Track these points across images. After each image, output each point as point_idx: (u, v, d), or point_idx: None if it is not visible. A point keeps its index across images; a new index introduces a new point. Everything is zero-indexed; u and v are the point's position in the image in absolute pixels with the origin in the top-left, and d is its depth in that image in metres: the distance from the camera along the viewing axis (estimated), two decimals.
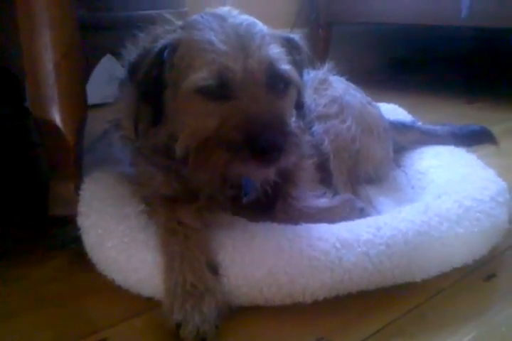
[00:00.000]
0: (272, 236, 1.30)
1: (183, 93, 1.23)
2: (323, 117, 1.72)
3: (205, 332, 1.10)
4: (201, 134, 1.22)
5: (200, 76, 1.19)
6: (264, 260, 1.24)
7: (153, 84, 1.28)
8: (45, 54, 1.38)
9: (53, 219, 1.52)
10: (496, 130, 2.23)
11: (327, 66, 1.89)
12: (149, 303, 1.27)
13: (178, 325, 1.11)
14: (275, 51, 1.26)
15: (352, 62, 1.89)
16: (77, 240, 1.45)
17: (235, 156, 1.15)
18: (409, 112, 2.54)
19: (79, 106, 1.48)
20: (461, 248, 1.38)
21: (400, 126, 2.11)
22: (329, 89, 1.80)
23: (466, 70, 4.94)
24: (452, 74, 4.82)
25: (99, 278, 1.35)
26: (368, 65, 4.57)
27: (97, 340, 1.15)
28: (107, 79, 1.58)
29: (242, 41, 1.23)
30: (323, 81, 1.82)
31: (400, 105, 2.67)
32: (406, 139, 2.10)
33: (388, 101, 2.68)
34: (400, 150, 2.09)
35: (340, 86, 1.85)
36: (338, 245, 1.28)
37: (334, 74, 1.91)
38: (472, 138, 2.16)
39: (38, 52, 1.38)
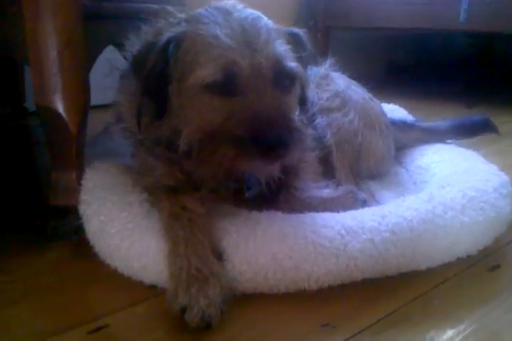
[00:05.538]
0: (275, 223, 1.29)
1: (189, 88, 1.23)
2: (326, 110, 1.72)
3: (210, 315, 1.09)
4: (206, 129, 1.21)
5: (207, 72, 1.19)
6: (268, 246, 1.23)
7: (157, 79, 1.27)
8: (49, 41, 1.37)
9: (54, 210, 1.50)
10: None
11: (328, 62, 1.90)
12: (152, 291, 1.26)
13: (183, 309, 1.10)
14: (282, 48, 1.26)
15: (350, 67, 1.89)
16: (77, 231, 1.44)
17: (241, 152, 1.15)
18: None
19: (82, 95, 1.46)
20: (466, 237, 1.38)
21: (401, 124, 2.11)
22: (331, 84, 1.81)
23: (466, 75, 4.97)
24: (451, 79, 4.84)
25: (101, 268, 1.34)
26: (366, 70, 4.59)
27: (99, 326, 1.13)
28: (107, 71, 1.58)
29: (248, 36, 1.22)
30: (325, 76, 1.83)
31: None
32: (407, 137, 2.10)
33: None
34: (401, 148, 2.09)
35: (341, 81, 1.86)
36: (343, 232, 1.27)
37: (335, 71, 1.91)
38: (473, 128, 2.13)
39: (41, 39, 1.37)
